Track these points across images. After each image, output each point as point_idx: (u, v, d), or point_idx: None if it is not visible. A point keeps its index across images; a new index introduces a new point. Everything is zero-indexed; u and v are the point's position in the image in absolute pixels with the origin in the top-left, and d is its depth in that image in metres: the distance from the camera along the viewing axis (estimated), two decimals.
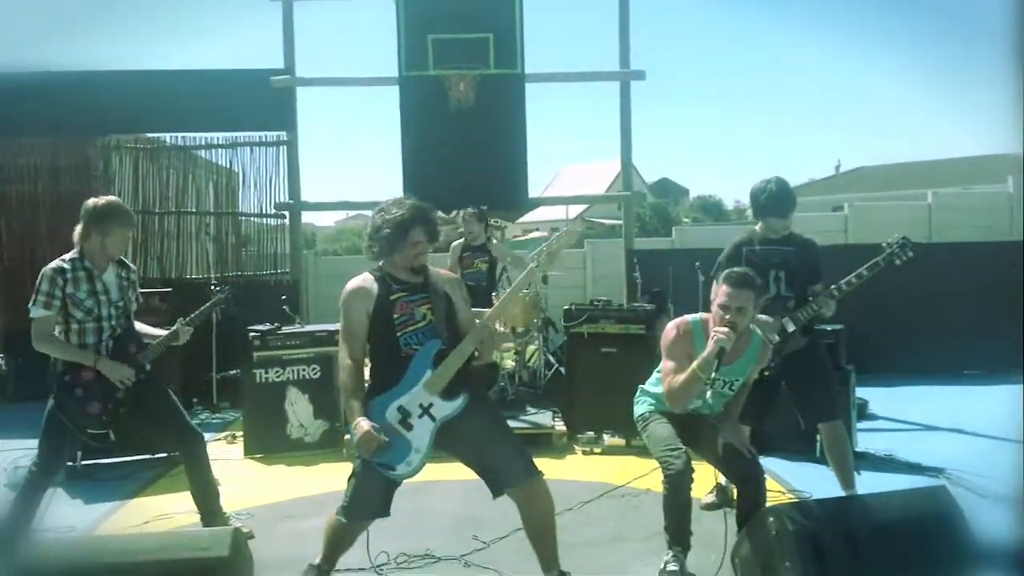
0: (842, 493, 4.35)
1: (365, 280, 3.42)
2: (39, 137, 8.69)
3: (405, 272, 3.41)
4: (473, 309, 3.65)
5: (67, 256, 4.03)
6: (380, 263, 3.46)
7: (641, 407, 3.97)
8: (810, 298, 4.37)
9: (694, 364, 3.54)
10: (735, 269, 3.76)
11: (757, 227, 4.54)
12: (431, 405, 3.26)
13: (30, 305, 3.91)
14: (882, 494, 3.62)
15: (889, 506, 3.43)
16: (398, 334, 3.32)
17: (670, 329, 3.82)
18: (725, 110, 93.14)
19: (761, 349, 3.77)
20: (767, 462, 5.25)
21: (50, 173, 8.79)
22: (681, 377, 3.59)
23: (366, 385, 3.38)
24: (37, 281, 3.93)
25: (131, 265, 4.28)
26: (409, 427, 3.25)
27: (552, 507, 3.39)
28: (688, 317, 3.85)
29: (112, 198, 4.22)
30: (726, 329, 3.50)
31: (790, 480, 4.99)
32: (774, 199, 4.42)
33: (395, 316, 3.34)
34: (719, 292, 3.64)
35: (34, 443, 5.52)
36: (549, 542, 3.40)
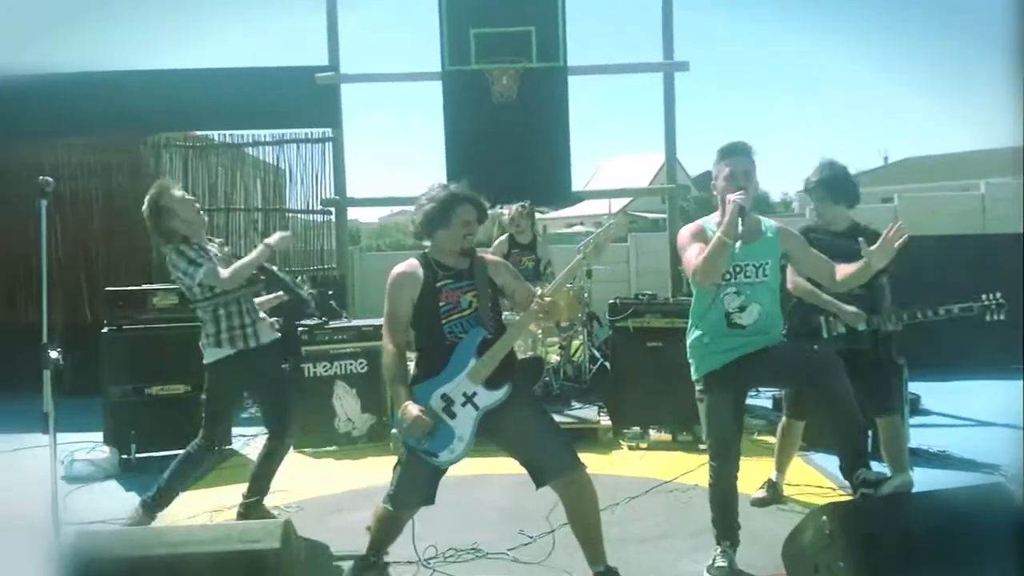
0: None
1: (411, 266, 3.42)
2: (91, 136, 8.86)
3: (452, 256, 3.42)
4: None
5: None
6: (426, 249, 3.47)
7: (693, 355, 3.75)
8: (882, 299, 4.29)
9: (718, 232, 3.44)
10: (727, 143, 3.67)
11: (814, 218, 4.47)
12: (475, 394, 3.26)
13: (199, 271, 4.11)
14: (938, 491, 3.54)
15: (946, 504, 3.35)
16: (443, 322, 3.33)
17: (684, 230, 3.73)
18: (769, 101, 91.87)
19: (780, 231, 3.65)
20: (819, 459, 5.21)
21: (102, 172, 8.97)
22: (708, 248, 3.45)
23: (411, 372, 3.40)
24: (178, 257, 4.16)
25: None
26: (452, 415, 3.27)
27: (596, 501, 3.38)
28: (700, 219, 3.79)
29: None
30: (740, 192, 3.45)
31: (841, 477, 4.91)
32: (824, 182, 4.38)
33: (440, 304, 3.34)
34: (719, 170, 3.61)
35: (90, 436, 5.70)
36: (595, 536, 3.38)
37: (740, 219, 3.38)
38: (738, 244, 3.36)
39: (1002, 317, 4.21)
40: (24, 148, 8.74)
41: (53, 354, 3.85)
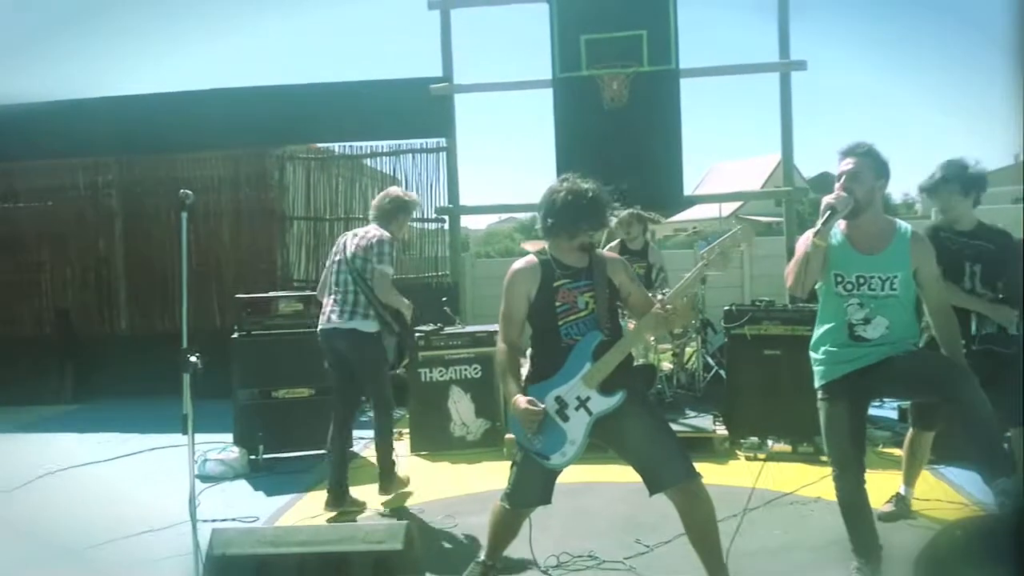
0: None
1: (530, 263, 3.42)
2: (221, 150, 9.32)
3: (571, 254, 3.39)
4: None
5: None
6: (547, 244, 3.45)
7: (815, 363, 3.66)
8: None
9: (810, 234, 3.36)
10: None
11: (939, 217, 4.31)
12: (588, 399, 3.26)
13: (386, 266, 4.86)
14: None
15: None
16: (559, 323, 3.31)
17: (802, 238, 3.60)
18: (889, 100, 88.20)
19: (913, 243, 3.46)
20: (950, 473, 4.98)
21: (231, 183, 9.40)
22: (800, 251, 3.40)
23: (525, 371, 3.42)
24: (381, 246, 4.88)
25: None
26: (566, 418, 3.27)
27: (712, 511, 3.32)
28: None
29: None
30: (837, 193, 3.35)
31: (976, 492, 4.69)
32: (946, 177, 4.21)
33: (557, 304, 3.33)
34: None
35: (221, 437, 5.99)
36: (713, 547, 3.33)
37: (829, 220, 3.31)
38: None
39: None
40: (160, 162, 9.29)
41: (192, 359, 4.08)
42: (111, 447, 6.57)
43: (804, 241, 3.48)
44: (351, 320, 4.82)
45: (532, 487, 3.40)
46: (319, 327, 4.95)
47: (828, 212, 3.34)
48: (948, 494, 4.73)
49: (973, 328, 4.17)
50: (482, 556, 3.61)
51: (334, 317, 4.84)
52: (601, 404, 3.26)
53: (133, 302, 9.51)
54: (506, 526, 3.54)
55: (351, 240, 5.00)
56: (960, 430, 3.57)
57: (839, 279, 3.47)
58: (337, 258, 5.01)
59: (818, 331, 3.65)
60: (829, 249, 3.44)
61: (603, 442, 3.36)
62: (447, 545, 4.27)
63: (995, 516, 3.51)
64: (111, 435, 7.00)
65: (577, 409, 3.27)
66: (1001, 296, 4.15)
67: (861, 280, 3.43)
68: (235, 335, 6.08)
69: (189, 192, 4.26)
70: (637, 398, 3.36)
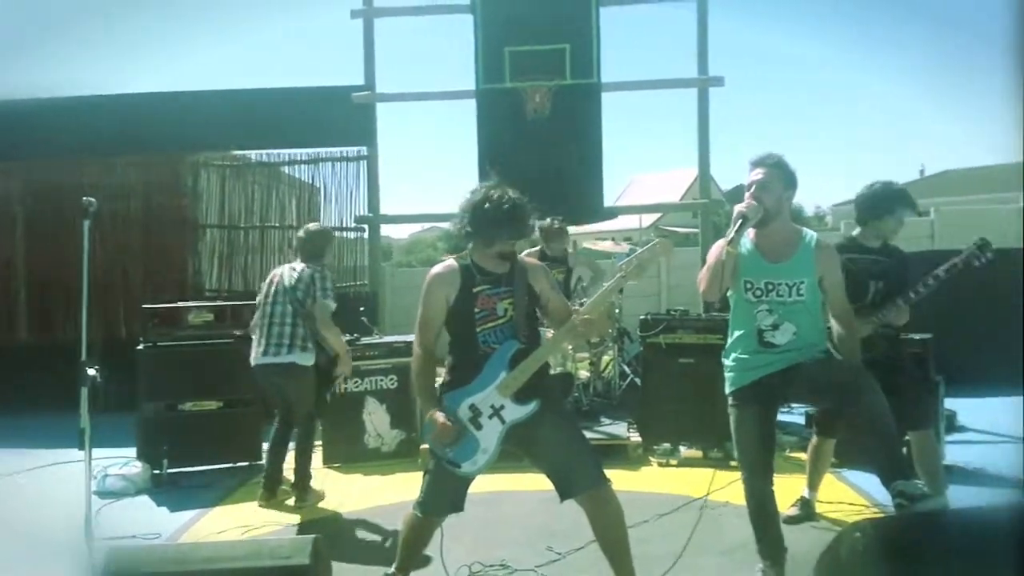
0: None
1: (449, 267, 3.39)
2: (131, 156, 9.03)
3: (492, 260, 3.36)
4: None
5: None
6: (467, 249, 3.42)
7: (726, 373, 3.74)
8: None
9: (722, 242, 3.44)
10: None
11: (855, 233, 4.49)
12: (502, 407, 3.25)
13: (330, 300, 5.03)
14: (973, 508, 3.48)
15: (980, 521, 3.28)
16: (477, 329, 3.30)
17: (713, 247, 3.67)
18: (804, 115, 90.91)
19: (818, 250, 3.55)
20: (852, 476, 5.13)
21: (142, 190, 9.12)
22: (711, 258, 3.49)
23: (443, 377, 3.40)
24: (323, 280, 5.05)
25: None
26: (479, 426, 3.26)
27: (622, 516, 3.34)
28: None
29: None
30: (748, 202, 3.44)
31: (875, 495, 4.83)
32: (884, 198, 4.40)
33: (476, 310, 3.31)
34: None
35: (124, 451, 5.78)
36: (623, 553, 3.35)
37: (741, 228, 3.39)
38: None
39: (990, 256, 4.14)
40: (65, 166, 8.93)
41: (91, 371, 3.93)
42: (4, 463, 6.25)
43: (716, 249, 3.54)
44: (289, 354, 4.92)
45: (444, 495, 3.38)
46: (254, 362, 5.02)
47: (739, 220, 3.41)
48: (850, 497, 4.86)
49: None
50: (393, 567, 3.55)
51: (271, 351, 4.91)
52: (515, 413, 3.25)
53: (34, 311, 9.11)
54: (417, 535, 3.49)
55: (288, 272, 5.06)
56: (860, 434, 3.68)
57: (749, 285, 3.54)
58: (273, 289, 5.01)
59: (730, 338, 3.72)
60: (739, 257, 3.50)
61: (517, 450, 3.36)
62: (358, 558, 4.18)
63: (893, 518, 3.62)
64: (4, 451, 6.66)
65: (491, 418, 3.26)
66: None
67: (769, 286, 3.51)
68: (141, 346, 5.88)
69: (92, 200, 4.12)
70: (552, 406, 3.36)
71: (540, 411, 3.26)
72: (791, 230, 3.61)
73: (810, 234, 3.63)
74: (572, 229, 8.18)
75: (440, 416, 3.22)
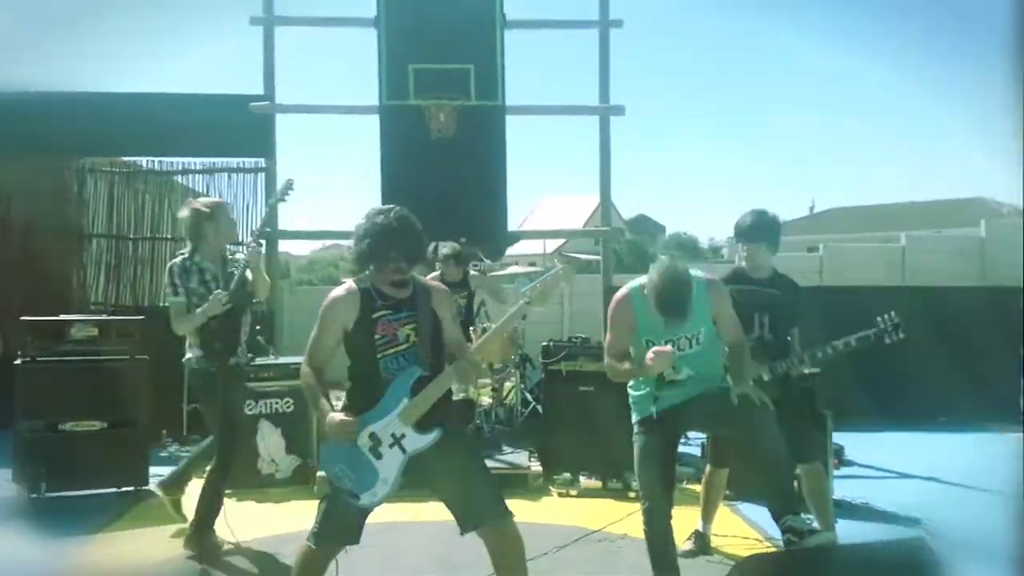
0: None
1: (349, 291, 3.29)
2: (11, 158, 8.51)
3: (390, 286, 3.30)
4: None
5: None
6: (366, 272, 3.33)
7: (632, 403, 3.92)
8: (791, 347, 4.38)
9: (636, 368, 3.65)
10: (662, 293, 3.61)
11: (742, 262, 4.54)
12: (404, 436, 3.18)
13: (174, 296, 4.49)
14: (859, 544, 3.59)
15: (866, 557, 3.40)
16: (378, 356, 3.22)
17: (613, 301, 3.86)
18: (701, 148, 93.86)
19: (708, 291, 3.73)
20: (746, 509, 5.24)
21: (23, 195, 8.61)
22: (621, 369, 3.73)
23: (342, 402, 3.30)
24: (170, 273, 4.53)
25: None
26: (379, 456, 3.18)
27: (523, 549, 3.31)
28: (627, 285, 3.85)
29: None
30: (660, 352, 3.51)
31: (767, 528, 4.94)
32: (758, 227, 4.46)
33: (376, 336, 3.23)
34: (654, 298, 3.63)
35: None
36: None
37: (660, 382, 3.67)
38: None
39: (902, 336, 4.22)
40: None
41: None
42: None
43: (617, 303, 3.82)
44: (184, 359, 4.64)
45: (341, 525, 3.26)
46: None
47: (659, 374, 3.64)
48: (743, 530, 4.96)
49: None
50: None
51: None
52: (416, 442, 3.18)
53: None
54: (312, 568, 3.35)
55: None
56: (752, 466, 3.79)
57: (650, 344, 3.68)
58: None
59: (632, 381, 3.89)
60: (636, 318, 3.73)
61: (416, 479, 3.29)
62: None
63: (783, 554, 3.71)
64: None
65: (391, 447, 3.18)
66: (788, 339, 4.43)
67: (670, 343, 3.64)
68: (18, 360, 5.53)
69: None
70: (453, 435, 3.32)
71: (442, 440, 3.21)
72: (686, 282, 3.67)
73: (698, 280, 3.73)
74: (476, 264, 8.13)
75: (336, 414, 3.14)
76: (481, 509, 3.23)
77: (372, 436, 3.18)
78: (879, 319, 4.27)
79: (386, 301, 3.27)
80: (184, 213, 4.63)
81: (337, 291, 3.33)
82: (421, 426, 3.18)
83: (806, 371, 4.41)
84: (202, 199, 4.83)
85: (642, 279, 3.75)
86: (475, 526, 3.23)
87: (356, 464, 3.16)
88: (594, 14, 8.78)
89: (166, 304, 4.58)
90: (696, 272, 3.77)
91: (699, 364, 3.74)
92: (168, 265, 4.58)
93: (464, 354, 3.31)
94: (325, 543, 3.28)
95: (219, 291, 4.44)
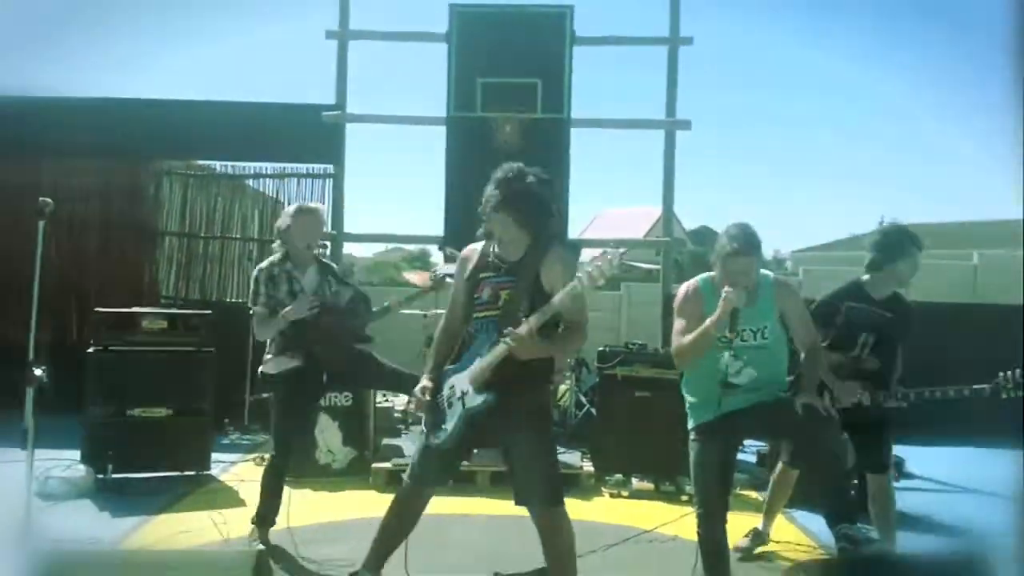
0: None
1: (472, 250, 3.49)
2: (93, 160, 8.88)
3: (507, 247, 3.33)
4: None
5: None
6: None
7: (689, 408, 3.82)
8: (892, 371, 4.26)
9: (707, 322, 3.49)
10: (733, 232, 3.60)
11: (864, 279, 4.38)
12: (465, 393, 3.32)
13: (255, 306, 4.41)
14: (917, 555, 3.52)
15: (923, 568, 3.33)
16: (474, 314, 3.36)
17: (680, 291, 3.81)
18: (767, 161, 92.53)
19: (776, 288, 3.69)
20: (800, 516, 5.17)
21: (101, 195, 8.97)
22: (691, 335, 3.56)
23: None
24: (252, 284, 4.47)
25: (332, 265, 4.77)
26: (449, 405, 3.38)
27: (572, 541, 3.38)
28: (697, 277, 3.81)
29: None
30: (733, 290, 3.47)
31: (822, 537, 4.87)
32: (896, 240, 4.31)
33: (476, 295, 3.37)
34: (722, 254, 3.59)
35: (68, 454, 5.65)
36: (566, 572, 3.38)
37: (733, 318, 3.46)
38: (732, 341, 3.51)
39: (1020, 394, 4.01)
40: (24, 166, 8.75)
41: (37, 372, 3.85)
42: None
43: (685, 296, 3.72)
44: (262, 366, 4.51)
45: (425, 464, 3.48)
46: None
47: (731, 312, 3.45)
48: (797, 537, 4.90)
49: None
50: (359, 566, 3.54)
51: None
52: (472, 401, 3.32)
53: None
54: (404, 503, 3.53)
55: None
56: (809, 471, 3.74)
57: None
58: None
59: (690, 379, 3.81)
60: (706, 305, 3.60)
61: (487, 442, 3.68)
62: (302, 573, 4.11)
63: (837, 561, 3.67)
64: None
65: (458, 400, 3.36)
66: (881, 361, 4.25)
67: (741, 329, 3.57)
68: (91, 349, 5.77)
69: (48, 200, 4.08)
70: (517, 410, 3.31)
71: (501, 410, 3.25)
72: (752, 276, 3.67)
73: (767, 275, 3.74)
74: None
75: (418, 389, 3.42)
76: (531, 489, 3.33)
77: (451, 387, 3.39)
78: (1001, 375, 4.08)
79: (494, 262, 3.37)
80: (283, 221, 4.51)
81: (468, 247, 3.53)
82: (480, 388, 3.28)
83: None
84: (299, 205, 4.66)
85: (712, 273, 3.73)
86: (524, 503, 3.36)
87: (435, 408, 3.40)
88: (665, 30, 8.78)
89: (239, 301, 4.63)
90: (766, 272, 3.76)
91: (762, 363, 3.63)
92: (256, 271, 4.49)
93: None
94: (414, 479, 3.50)
95: (305, 295, 4.38)
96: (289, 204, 9.21)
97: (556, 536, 3.35)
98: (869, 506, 4.37)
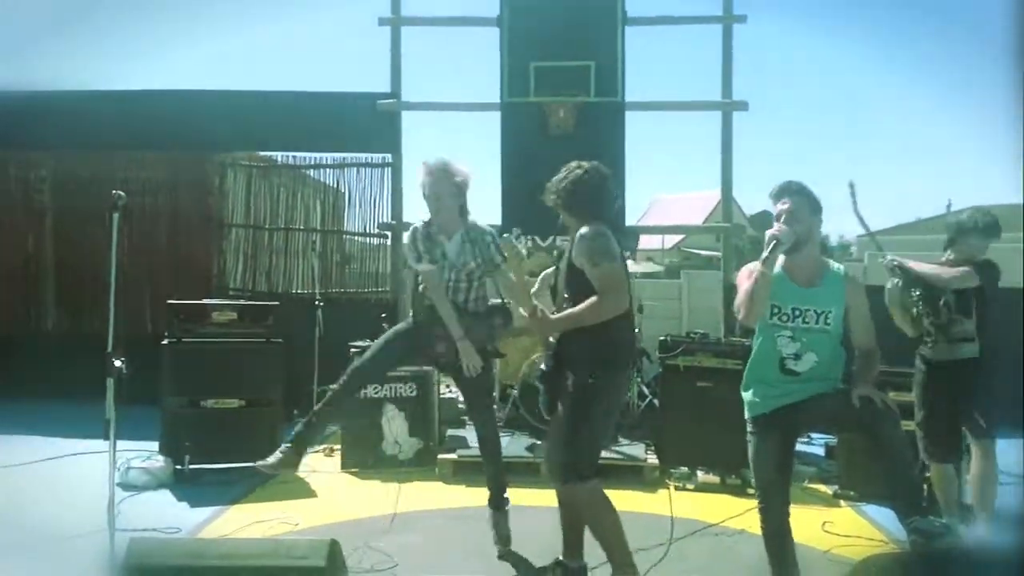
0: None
1: None
2: (161, 152, 9.09)
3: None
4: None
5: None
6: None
7: (746, 399, 3.78)
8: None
9: (757, 264, 3.49)
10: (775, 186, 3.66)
11: (946, 257, 4.68)
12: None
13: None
14: (990, 548, 3.46)
15: (998, 561, 3.26)
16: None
17: (742, 270, 3.75)
18: (829, 143, 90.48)
19: (848, 283, 3.59)
20: (870, 510, 5.10)
21: (169, 187, 9.18)
22: (746, 284, 3.51)
23: None
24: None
25: (485, 228, 4.48)
26: None
27: (582, 515, 3.71)
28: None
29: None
30: (779, 227, 3.46)
31: (893, 530, 4.80)
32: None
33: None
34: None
35: (146, 445, 5.83)
36: (575, 534, 3.80)
37: (774, 251, 3.41)
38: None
39: None
40: (93, 159, 9.01)
41: (117, 363, 3.97)
42: (28, 450, 6.31)
43: (748, 274, 3.57)
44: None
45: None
46: None
47: (772, 243, 3.42)
48: (868, 531, 4.84)
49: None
50: (562, 556, 3.89)
51: None
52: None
53: (60, 301, 9.19)
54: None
55: None
56: (878, 467, 3.68)
57: (776, 310, 3.54)
58: None
59: (750, 364, 3.74)
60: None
61: None
62: (371, 563, 4.19)
63: (908, 554, 3.61)
64: (29, 438, 6.72)
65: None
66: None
67: (796, 312, 3.52)
68: (165, 341, 5.93)
69: (122, 193, 4.18)
70: (564, 389, 3.64)
71: (558, 387, 3.67)
72: (819, 258, 3.64)
73: (838, 266, 3.67)
74: None
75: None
76: (549, 458, 3.72)
77: None
78: None
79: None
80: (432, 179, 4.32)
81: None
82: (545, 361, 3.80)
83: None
84: (456, 166, 4.44)
85: None
86: (546, 471, 3.76)
87: None
88: (718, 9, 8.66)
89: (305, 292, 4.60)
90: (836, 264, 3.72)
91: (823, 350, 3.54)
92: (411, 229, 4.35)
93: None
94: None
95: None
96: (348, 194, 9.40)
97: (569, 511, 3.77)
98: (971, 473, 4.56)
